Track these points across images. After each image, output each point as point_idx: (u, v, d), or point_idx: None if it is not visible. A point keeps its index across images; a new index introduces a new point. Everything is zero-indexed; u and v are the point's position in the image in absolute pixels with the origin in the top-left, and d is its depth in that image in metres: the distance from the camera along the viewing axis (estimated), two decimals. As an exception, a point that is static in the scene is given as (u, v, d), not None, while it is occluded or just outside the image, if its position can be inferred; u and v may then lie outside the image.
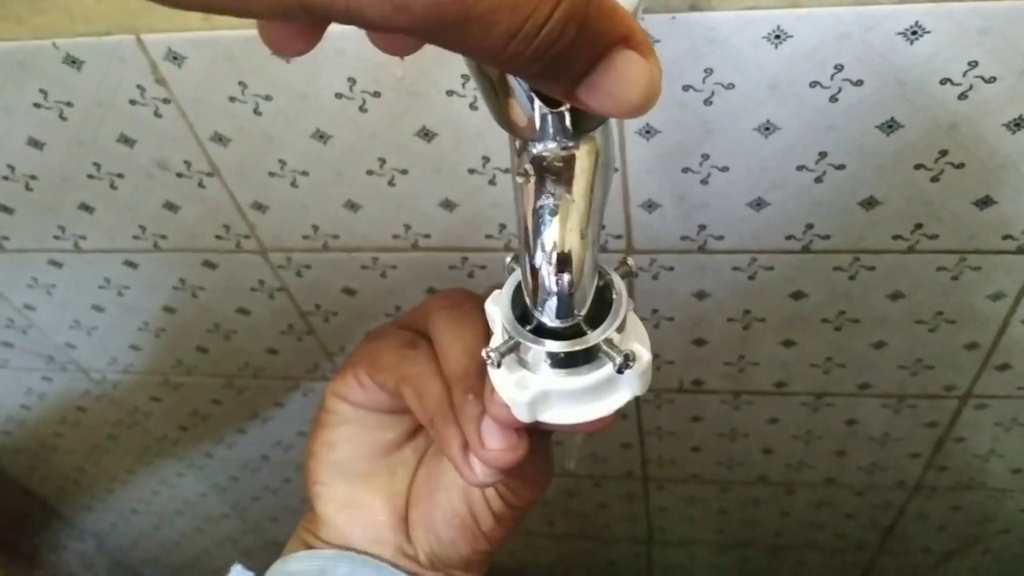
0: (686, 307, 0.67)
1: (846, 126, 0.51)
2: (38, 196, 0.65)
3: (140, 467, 1.06)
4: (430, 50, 0.50)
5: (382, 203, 0.61)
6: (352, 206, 0.62)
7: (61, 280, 0.75)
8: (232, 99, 0.55)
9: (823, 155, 0.53)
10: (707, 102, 0.51)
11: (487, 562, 0.43)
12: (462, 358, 0.37)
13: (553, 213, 0.32)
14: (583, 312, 0.34)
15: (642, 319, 0.70)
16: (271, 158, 0.59)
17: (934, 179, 0.54)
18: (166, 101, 0.56)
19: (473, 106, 0.53)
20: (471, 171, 0.58)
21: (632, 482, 0.94)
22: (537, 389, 0.34)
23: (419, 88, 0.53)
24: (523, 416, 0.34)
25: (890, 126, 0.51)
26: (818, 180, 0.55)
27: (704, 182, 0.56)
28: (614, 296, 0.34)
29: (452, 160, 0.57)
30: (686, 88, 0.51)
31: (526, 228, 0.33)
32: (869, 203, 0.56)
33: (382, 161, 0.58)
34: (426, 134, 0.56)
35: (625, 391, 0.35)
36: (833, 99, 0.50)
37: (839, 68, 0.48)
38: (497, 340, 0.35)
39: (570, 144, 0.31)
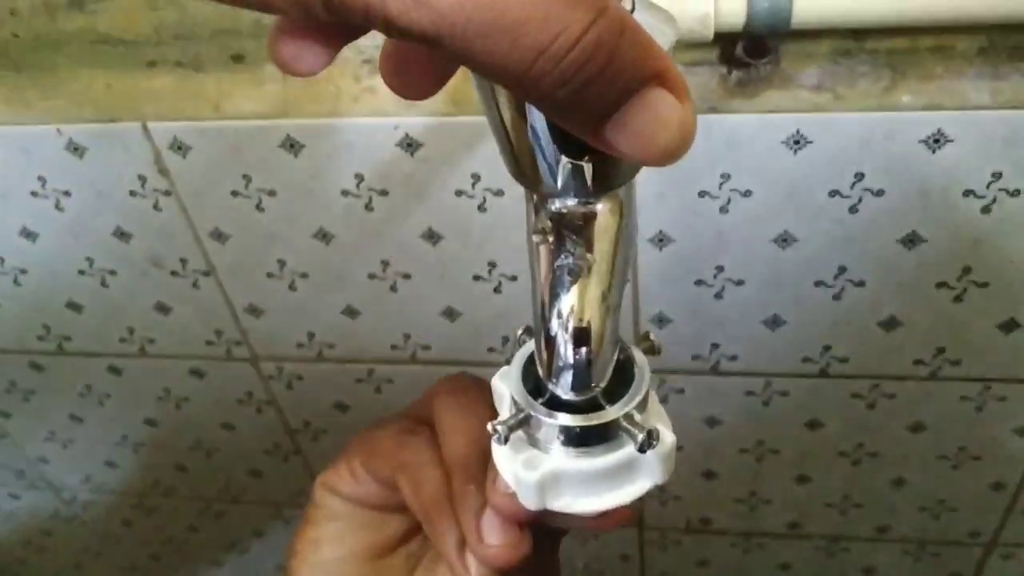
0: (696, 435, 0.64)
1: (866, 239, 0.50)
2: (26, 291, 0.63)
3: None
4: (442, 147, 0.49)
5: (382, 309, 0.59)
6: (351, 312, 0.60)
7: (41, 385, 0.71)
8: (235, 193, 0.54)
9: (842, 270, 0.51)
10: (723, 210, 0.50)
11: None
12: (464, 445, 0.34)
13: (572, 275, 0.30)
14: (602, 385, 0.31)
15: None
16: (270, 258, 0.57)
17: (957, 299, 0.52)
18: (167, 193, 0.55)
19: (482, 208, 0.52)
20: (476, 278, 0.56)
21: (631, 635, 0.87)
22: (548, 469, 0.30)
23: (428, 187, 0.52)
24: (530, 502, 0.31)
25: (911, 240, 0.49)
26: (836, 297, 0.53)
27: (718, 296, 0.54)
28: (635, 371, 0.31)
29: (457, 265, 0.55)
30: (702, 194, 0.49)
31: (542, 292, 0.30)
32: (890, 324, 0.54)
33: (385, 264, 0.56)
34: (431, 236, 0.54)
35: (645, 478, 0.31)
36: (853, 210, 0.49)
37: (859, 177, 0.47)
38: (505, 414, 0.32)
39: (592, 201, 0.28)
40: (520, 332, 0.34)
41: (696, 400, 0.61)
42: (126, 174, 0.54)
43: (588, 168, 0.27)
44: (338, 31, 0.22)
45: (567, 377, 0.30)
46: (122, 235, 0.58)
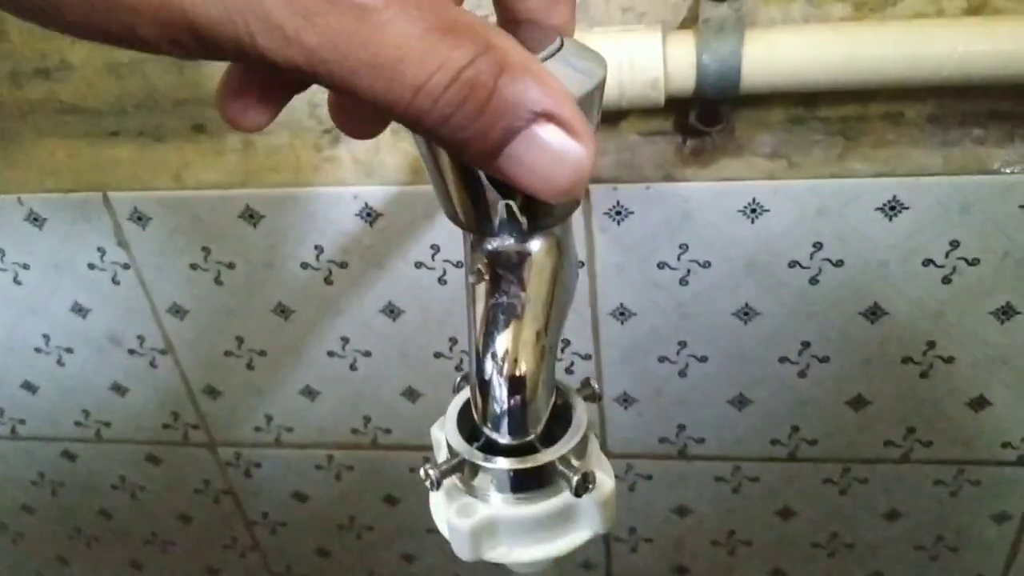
0: (666, 526, 0.62)
1: (828, 312, 0.49)
2: (-20, 372, 0.62)
3: None
4: (401, 217, 0.49)
5: (342, 390, 0.58)
6: (310, 393, 0.58)
7: (-9, 474, 0.69)
8: (194, 266, 0.54)
9: (806, 345, 0.51)
10: (683, 282, 0.49)
11: None
12: None
13: (507, 314, 0.29)
14: (538, 429, 0.30)
15: (617, 540, 0.65)
16: (229, 335, 0.56)
17: (923, 375, 0.51)
18: (126, 266, 0.54)
19: (442, 280, 0.52)
20: (437, 355, 0.55)
21: None
22: (482, 516, 0.29)
23: (387, 259, 0.51)
24: (464, 552, 0.29)
25: (874, 313, 0.49)
26: (802, 375, 0.52)
27: (682, 374, 0.53)
28: (574, 416, 0.30)
29: (418, 342, 0.55)
30: (661, 266, 0.49)
31: (477, 335, 0.30)
32: (857, 402, 0.53)
33: (344, 341, 0.55)
34: (392, 311, 0.53)
35: (585, 527, 0.30)
36: (813, 281, 0.48)
37: (818, 246, 0.47)
38: (440, 459, 0.31)
39: (526, 240, 0.28)
40: (458, 379, 0.33)
41: (665, 487, 0.59)
42: (86, 246, 0.54)
43: (515, 206, 0.27)
44: (276, 87, 0.23)
45: (503, 421, 0.29)
46: (80, 310, 0.57)
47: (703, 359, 0.52)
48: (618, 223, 0.48)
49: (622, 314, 0.51)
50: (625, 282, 0.50)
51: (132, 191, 0.51)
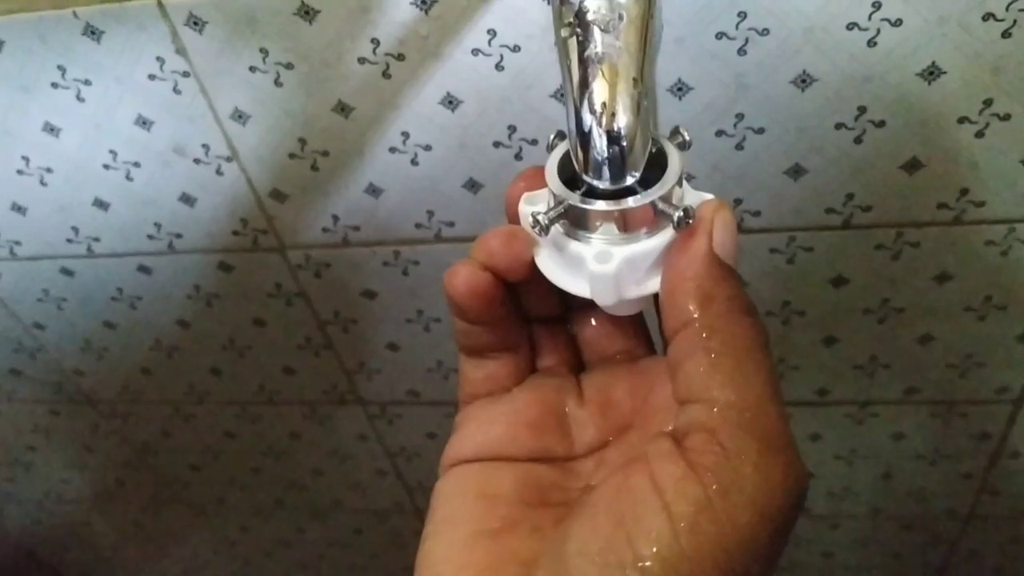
0: (721, 301, 0.64)
1: (885, 75, 0.49)
2: (52, 192, 0.64)
3: (147, 518, 1.02)
4: (455, 4, 0.49)
5: (405, 186, 0.59)
6: (373, 191, 0.60)
7: (73, 291, 0.72)
8: (253, 69, 0.54)
9: (862, 110, 0.51)
10: (740, 51, 0.50)
11: None
12: None
13: (602, 64, 0.30)
14: (637, 176, 0.31)
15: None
16: (291, 137, 0.58)
17: (979, 134, 0.51)
18: (185, 74, 0.55)
19: (499, 66, 0.52)
20: (496, 144, 0.56)
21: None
22: (621, 257, 0.30)
23: (444, 48, 0.52)
24: (610, 296, 0.31)
25: (931, 73, 0.49)
26: (858, 140, 0.53)
27: (739, 147, 0.54)
28: (668, 160, 0.32)
29: (476, 131, 0.56)
30: (719, 36, 0.49)
31: (574, 88, 0.31)
32: (912, 166, 0.54)
33: (405, 136, 0.56)
34: (450, 102, 0.54)
35: None
36: (872, 43, 0.48)
37: (876, 6, 0.47)
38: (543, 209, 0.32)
39: None
40: (552, 137, 0.34)
41: (720, 263, 0.62)
42: (144, 57, 0.55)
43: None
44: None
45: (603, 169, 0.30)
46: (144, 123, 0.58)
47: (760, 131, 0.53)
48: (675, -5, 0.48)
49: (679, 89, 0.52)
50: (684, 55, 0.50)
51: (186, -5, 0.51)
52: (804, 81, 0.50)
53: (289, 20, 0.52)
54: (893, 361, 0.67)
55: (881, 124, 0.52)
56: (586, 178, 0.31)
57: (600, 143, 0.30)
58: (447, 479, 0.33)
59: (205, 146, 0.59)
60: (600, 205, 0.30)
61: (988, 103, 0.50)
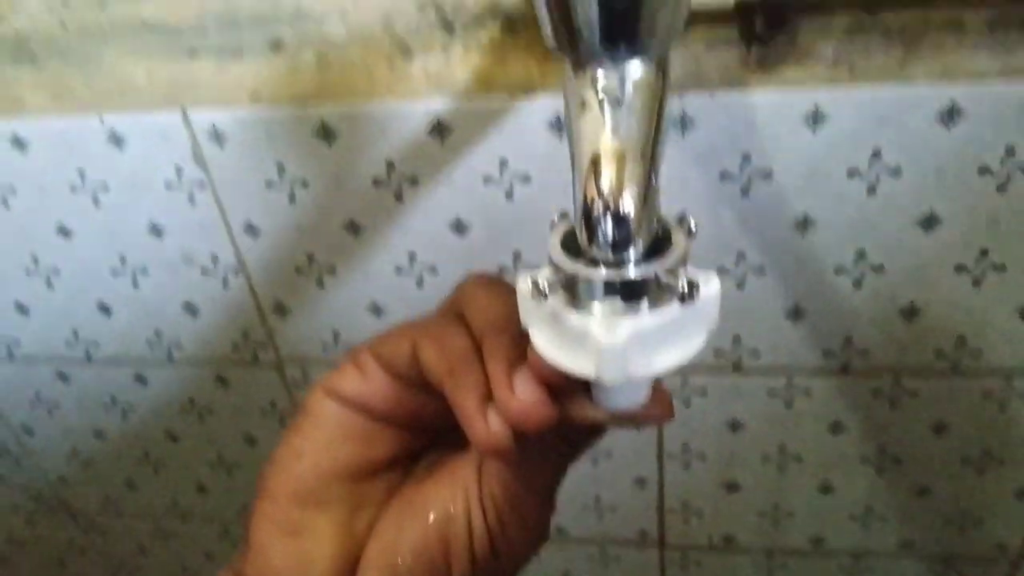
0: (718, 441, 0.64)
1: (885, 222, 0.51)
2: (57, 294, 0.64)
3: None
4: (469, 133, 0.51)
5: (407, 306, 0.60)
6: (376, 309, 0.61)
7: (66, 397, 0.72)
8: (269, 184, 0.56)
9: (861, 255, 0.52)
10: (743, 192, 0.51)
11: None
12: (497, 315, 0.32)
13: (614, 132, 0.30)
14: (641, 248, 0.31)
15: (670, 457, 0.67)
16: (300, 252, 0.59)
17: (975, 283, 0.52)
18: (202, 186, 0.57)
19: (508, 194, 0.53)
20: (501, 268, 0.57)
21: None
22: (629, 330, 0.30)
23: (455, 174, 0.53)
24: (617, 373, 0.30)
25: (929, 221, 0.50)
26: (856, 284, 0.54)
27: (740, 286, 0.55)
28: (672, 239, 0.32)
29: (483, 256, 0.57)
30: (723, 177, 0.51)
31: (581, 162, 0.31)
32: (910, 312, 0.54)
33: (412, 257, 0.57)
34: (458, 227, 0.55)
35: (698, 331, 0.31)
36: (871, 191, 0.50)
37: (877, 154, 0.49)
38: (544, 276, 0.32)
39: (629, 60, 0.30)
40: (556, 216, 0.34)
41: (719, 401, 0.61)
42: (163, 165, 0.56)
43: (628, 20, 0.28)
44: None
45: (607, 248, 0.30)
46: (156, 230, 0.59)
47: (760, 270, 0.54)
48: (683, 135, 0.49)
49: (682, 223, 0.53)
50: (689, 195, 0.52)
51: (211, 109, 0.53)
52: (805, 224, 0.52)
53: (308, 140, 0.53)
54: (889, 513, 0.66)
55: (879, 269, 0.53)
56: (589, 250, 0.31)
57: (606, 220, 0.30)
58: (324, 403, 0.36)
59: (214, 256, 0.60)
60: (604, 273, 0.30)
61: (984, 253, 0.51)
